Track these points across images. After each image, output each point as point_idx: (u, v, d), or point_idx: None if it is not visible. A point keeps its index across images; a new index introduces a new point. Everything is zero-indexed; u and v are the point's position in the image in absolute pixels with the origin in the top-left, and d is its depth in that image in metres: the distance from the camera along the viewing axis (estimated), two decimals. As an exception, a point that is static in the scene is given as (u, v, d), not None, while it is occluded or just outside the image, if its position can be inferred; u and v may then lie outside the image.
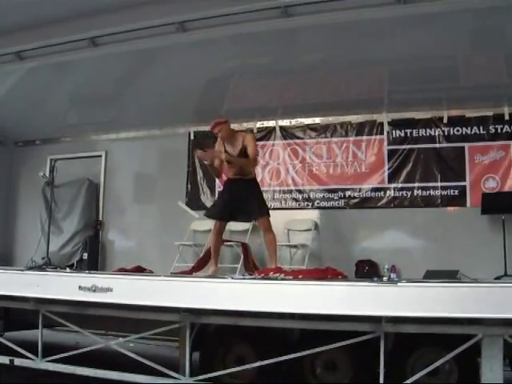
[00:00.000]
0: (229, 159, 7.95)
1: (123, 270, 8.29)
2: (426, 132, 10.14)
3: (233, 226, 10.75)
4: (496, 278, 8.38)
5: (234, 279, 5.98)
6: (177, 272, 9.78)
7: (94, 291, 6.07)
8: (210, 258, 9.33)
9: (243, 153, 7.97)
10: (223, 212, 8.09)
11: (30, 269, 8.16)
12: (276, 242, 8.18)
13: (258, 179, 10.89)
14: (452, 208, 9.97)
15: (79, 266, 11.55)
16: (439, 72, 9.15)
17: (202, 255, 10.32)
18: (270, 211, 10.62)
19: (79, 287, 6.15)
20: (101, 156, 12.54)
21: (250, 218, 8.49)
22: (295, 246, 10.30)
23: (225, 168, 8.24)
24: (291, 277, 6.30)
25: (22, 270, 7.38)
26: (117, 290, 6.01)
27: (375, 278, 6.04)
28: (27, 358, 6.94)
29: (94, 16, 8.61)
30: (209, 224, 10.82)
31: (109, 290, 6.00)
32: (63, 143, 12.88)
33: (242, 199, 7.98)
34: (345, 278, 6.90)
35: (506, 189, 9.70)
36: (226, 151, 8.01)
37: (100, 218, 12.39)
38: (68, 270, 8.54)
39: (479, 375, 5.26)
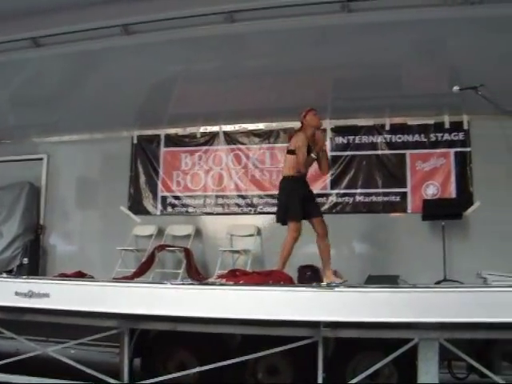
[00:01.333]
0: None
1: (63, 275, 8.16)
2: (368, 139, 10.29)
3: (176, 230, 10.74)
4: (436, 283, 8.52)
5: (172, 285, 5.94)
6: (118, 277, 9.67)
7: (31, 297, 5.92)
8: (152, 263, 9.28)
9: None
10: (301, 211, 7.59)
11: (-34, 274, 8.00)
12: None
13: (201, 184, 10.93)
14: (393, 214, 10.12)
15: (19, 272, 11.31)
16: (382, 80, 9.28)
17: (143, 260, 10.26)
18: (213, 216, 10.70)
19: (15, 293, 6.00)
20: (42, 159, 12.30)
21: (313, 215, 7.69)
22: (237, 252, 10.28)
23: (298, 165, 7.60)
24: (231, 282, 6.30)
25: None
26: (54, 296, 5.88)
27: (314, 284, 6.07)
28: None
29: (37, 16, 8.48)
30: (151, 229, 10.80)
31: (45, 295, 5.88)
32: (3, 145, 12.58)
33: (307, 197, 7.73)
34: (288, 284, 6.91)
35: (446, 195, 9.90)
36: (309, 146, 7.68)
37: (41, 222, 12.13)
38: (4, 275, 8.36)
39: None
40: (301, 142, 7.62)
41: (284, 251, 7.59)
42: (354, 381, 5.40)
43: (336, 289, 5.26)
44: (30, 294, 5.92)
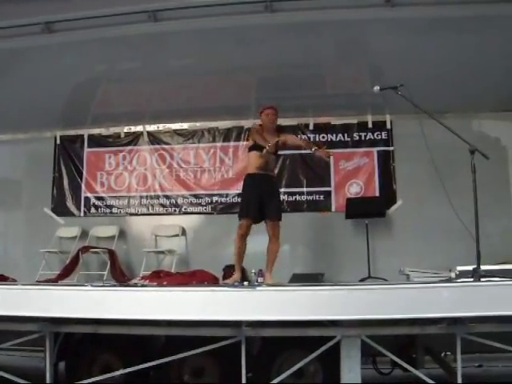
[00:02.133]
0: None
1: (-16, 279, 7.99)
2: (292, 138, 10.36)
3: (100, 232, 10.62)
4: (361, 280, 8.66)
5: (93, 286, 5.86)
6: (42, 280, 9.50)
7: (-51, 302, 5.77)
8: (76, 265, 9.14)
9: (276, 147, 7.63)
10: (254, 210, 7.44)
11: None
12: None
13: (125, 184, 10.78)
14: (318, 213, 10.22)
15: None
16: (306, 80, 9.36)
17: (67, 262, 10.10)
18: (137, 217, 10.55)
19: None
20: (-38, 160, 11.97)
21: (267, 217, 7.53)
22: (162, 252, 10.24)
23: (252, 161, 7.62)
24: (155, 283, 6.27)
25: None
26: (-27, 301, 5.74)
27: (235, 283, 6.09)
28: None
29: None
30: (74, 231, 10.64)
31: (-36, 300, 5.74)
32: None
33: (266, 196, 7.51)
34: (213, 283, 6.92)
35: (370, 194, 10.07)
36: (264, 139, 7.53)
37: (-38, 225, 11.82)
38: None
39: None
40: (253, 134, 7.67)
41: (234, 252, 7.58)
42: (276, 381, 5.43)
43: (258, 288, 5.29)
44: None
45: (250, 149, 7.70)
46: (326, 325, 5.38)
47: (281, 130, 8.07)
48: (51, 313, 5.56)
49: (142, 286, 6.07)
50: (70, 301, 5.53)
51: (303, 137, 10.40)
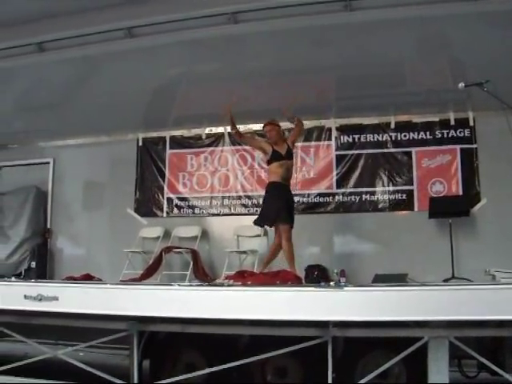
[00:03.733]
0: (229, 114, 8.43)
1: (71, 278, 8.15)
2: (373, 137, 10.32)
3: (182, 232, 10.73)
4: (444, 281, 8.50)
5: (180, 286, 5.93)
6: (126, 279, 9.68)
7: (40, 300, 5.91)
8: (160, 265, 9.29)
9: (289, 154, 8.29)
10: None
11: (-26, 278, 7.98)
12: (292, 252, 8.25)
13: (208, 185, 10.89)
14: (400, 212, 10.11)
15: (27, 275, 11.31)
16: (386, 78, 9.27)
17: (150, 262, 10.27)
18: (219, 217, 10.62)
19: (24, 296, 5.98)
20: (49, 163, 12.32)
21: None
22: (244, 252, 10.28)
23: (272, 172, 8.36)
24: (239, 283, 6.29)
25: (-34, 279, 7.21)
26: (63, 299, 5.87)
27: (322, 283, 6.06)
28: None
29: (40, 21, 8.50)
30: (157, 231, 10.80)
31: (54, 298, 5.88)
32: (10, 150, 12.62)
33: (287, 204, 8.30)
34: (296, 283, 6.89)
35: (453, 192, 9.87)
36: (274, 150, 8.28)
37: (48, 226, 12.15)
38: (13, 278, 8.35)
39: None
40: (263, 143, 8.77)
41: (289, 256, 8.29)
42: (363, 381, 5.38)
43: (345, 288, 5.25)
44: (40, 298, 5.91)
45: (269, 162, 8.31)
46: (411, 325, 5.31)
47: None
48: (139, 312, 5.66)
49: (229, 285, 6.10)
50: (158, 300, 5.61)
51: (384, 135, 10.35)
